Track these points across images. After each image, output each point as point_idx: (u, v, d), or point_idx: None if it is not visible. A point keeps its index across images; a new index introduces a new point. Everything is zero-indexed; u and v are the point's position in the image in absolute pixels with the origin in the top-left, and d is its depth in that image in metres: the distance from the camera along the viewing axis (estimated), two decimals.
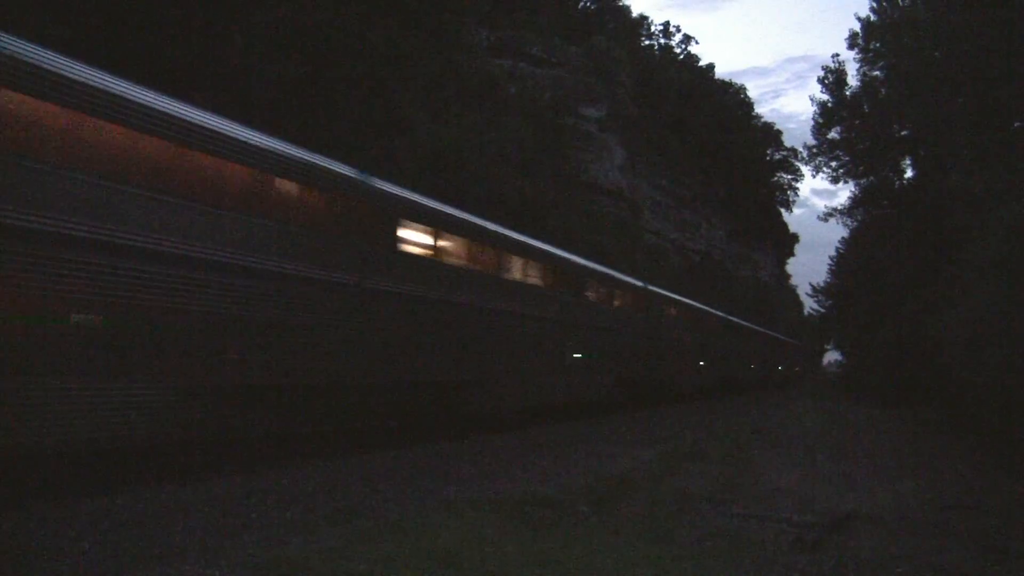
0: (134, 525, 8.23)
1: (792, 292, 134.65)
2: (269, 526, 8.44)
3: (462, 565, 7.17)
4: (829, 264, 70.56)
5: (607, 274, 30.65)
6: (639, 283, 34.57)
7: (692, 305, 44.76)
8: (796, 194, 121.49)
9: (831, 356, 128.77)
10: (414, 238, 17.16)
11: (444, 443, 17.42)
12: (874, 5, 44.46)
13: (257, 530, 8.23)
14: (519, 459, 14.96)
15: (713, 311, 50.91)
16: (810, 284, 78.76)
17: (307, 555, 7.28)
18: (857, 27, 45.77)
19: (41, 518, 8.42)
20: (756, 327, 69.19)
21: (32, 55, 9.62)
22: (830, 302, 73.20)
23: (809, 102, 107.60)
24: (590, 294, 28.13)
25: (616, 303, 31.08)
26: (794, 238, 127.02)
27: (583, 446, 17.75)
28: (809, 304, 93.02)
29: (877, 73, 45.94)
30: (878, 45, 44.46)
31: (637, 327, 32.87)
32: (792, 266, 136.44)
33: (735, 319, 58.32)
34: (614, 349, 29.76)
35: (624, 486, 11.84)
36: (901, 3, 42.84)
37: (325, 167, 14.53)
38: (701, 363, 45.03)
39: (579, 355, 25.79)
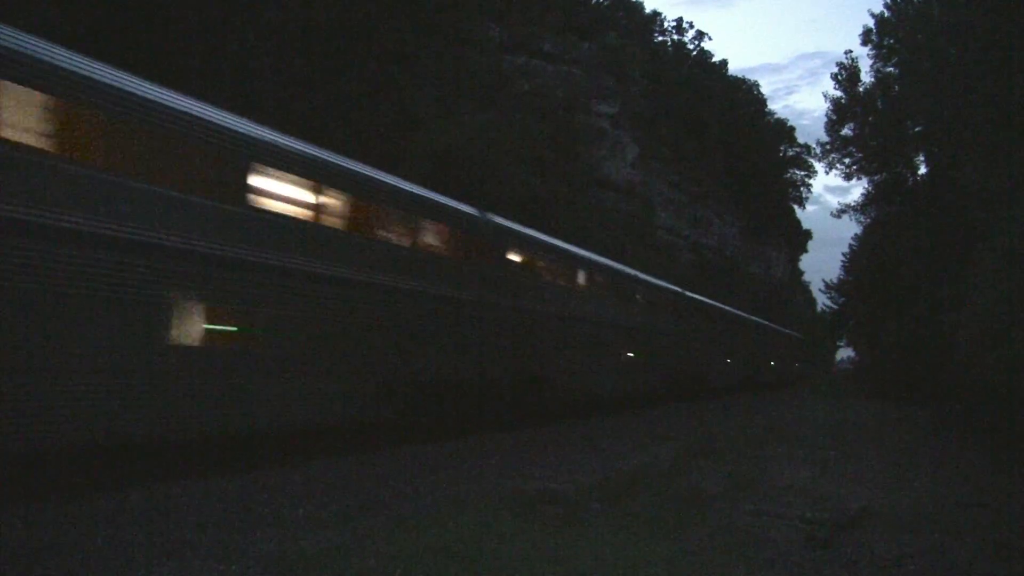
0: (147, 521, 8.27)
1: (805, 289, 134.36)
2: (280, 522, 8.46)
3: (474, 561, 7.16)
4: (842, 260, 70.52)
5: (361, 176, 16.54)
6: (470, 211, 21.03)
7: (611, 268, 31.07)
8: (809, 191, 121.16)
9: (844, 353, 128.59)
10: None
11: (455, 440, 17.46)
12: (888, 1, 44.29)
13: (268, 526, 8.25)
14: (530, 456, 14.98)
15: (660, 283, 38.03)
16: (823, 280, 78.55)
17: (318, 551, 7.29)
18: (871, 23, 45.62)
19: (54, 514, 8.45)
20: (734, 311, 56.08)
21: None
22: (843, 299, 73.06)
23: (822, 99, 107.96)
24: (309, 211, 14.83)
25: (399, 239, 17.68)
26: (807, 235, 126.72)
27: (594, 442, 17.75)
28: (822, 300, 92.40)
29: (891, 69, 45.78)
30: (892, 41, 44.28)
31: (470, 291, 20.02)
32: (805, 263, 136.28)
33: (697, 297, 44.65)
34: (399, 326, 17.05)
35: (635, 483, 11.83)
36: None
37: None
38: (630, 355, 32.12)
39: (232, 328, 12.98)
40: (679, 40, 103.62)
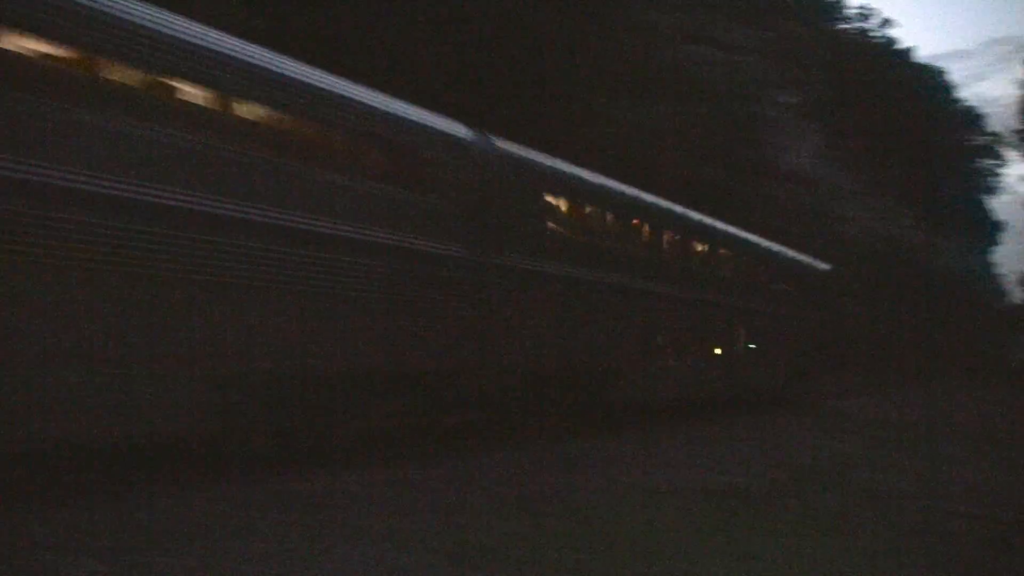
0: (314, 508, 8.29)
1: (997, 281, 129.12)
2: (458, 510, 8.48)
3: (655, 555, 7.05)
4: None
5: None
6: (451, 129, 13.95)
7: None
8: (1001, 180, 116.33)
9: None
10: None
11: (622, 435, 17.33)
12: None
13: (445, 514, 8.28)
14: (710, 448, 14.88)
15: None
16: (1016, 274, 75.22)
17: (496, 541, 7.24)
18: None
19: (241, 497, 8.62)
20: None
21: None
22: None
23: (1014, 85, 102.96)
24: None
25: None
26: (999, 226, 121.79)
27: (760, 437, 17.61)
28: (1017, 294, 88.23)
29: None
30: None
31: (444, 245, 13.08)
32: (999, 254, 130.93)
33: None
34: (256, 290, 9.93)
35: (814, 478, 11.66)
36: None
37: None
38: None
39: None
40: (862, 28, 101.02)
